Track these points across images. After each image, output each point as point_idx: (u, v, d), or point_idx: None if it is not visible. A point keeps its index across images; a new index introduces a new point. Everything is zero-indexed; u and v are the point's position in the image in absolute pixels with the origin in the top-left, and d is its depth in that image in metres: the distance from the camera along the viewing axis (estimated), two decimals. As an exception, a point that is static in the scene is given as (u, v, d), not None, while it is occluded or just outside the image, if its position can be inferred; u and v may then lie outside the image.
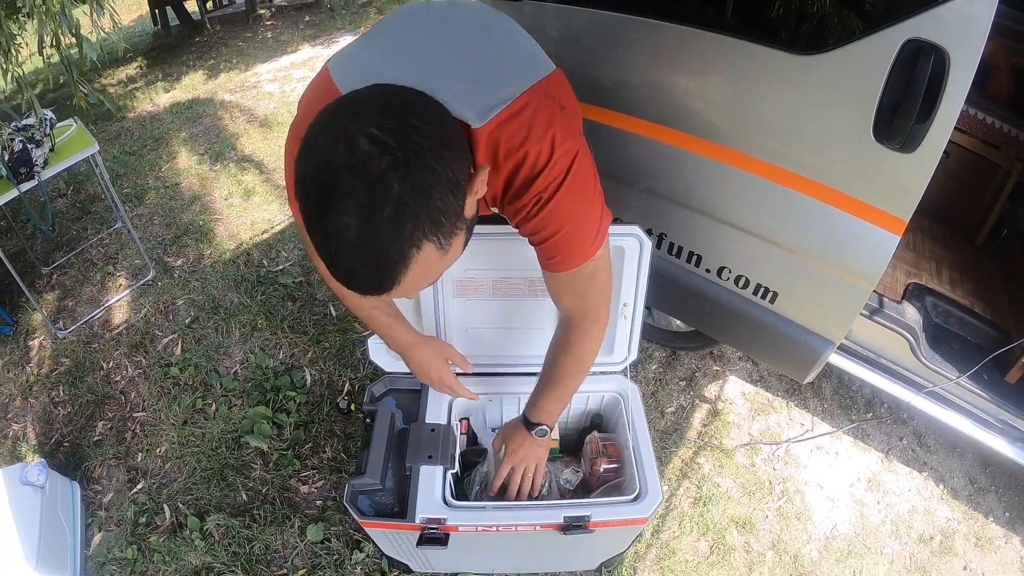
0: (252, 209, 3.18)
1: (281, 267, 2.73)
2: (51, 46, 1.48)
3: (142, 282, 2.66)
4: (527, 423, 1.24)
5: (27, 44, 2.85)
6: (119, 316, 2.54)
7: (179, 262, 2.79)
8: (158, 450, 2.02)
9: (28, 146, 2.04)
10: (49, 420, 2.17)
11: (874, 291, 1.79)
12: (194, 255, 2.82)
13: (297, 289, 2.59)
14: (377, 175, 0.62)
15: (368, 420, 1.34)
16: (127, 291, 2.64)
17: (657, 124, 1.63)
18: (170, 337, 2.39)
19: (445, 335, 1.46)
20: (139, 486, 1.93)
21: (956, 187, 2.44)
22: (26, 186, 2.07)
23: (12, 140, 2.00)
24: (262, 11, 7.40)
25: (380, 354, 1.47)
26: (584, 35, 1.71)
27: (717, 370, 2.28)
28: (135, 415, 2.14)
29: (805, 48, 1.38)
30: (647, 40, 1.59)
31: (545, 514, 1.16)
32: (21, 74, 1.39)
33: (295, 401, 2.09)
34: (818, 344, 1.66)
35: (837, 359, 1.84)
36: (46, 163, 2.12)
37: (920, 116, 1.27)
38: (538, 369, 1.30)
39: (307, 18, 7.34)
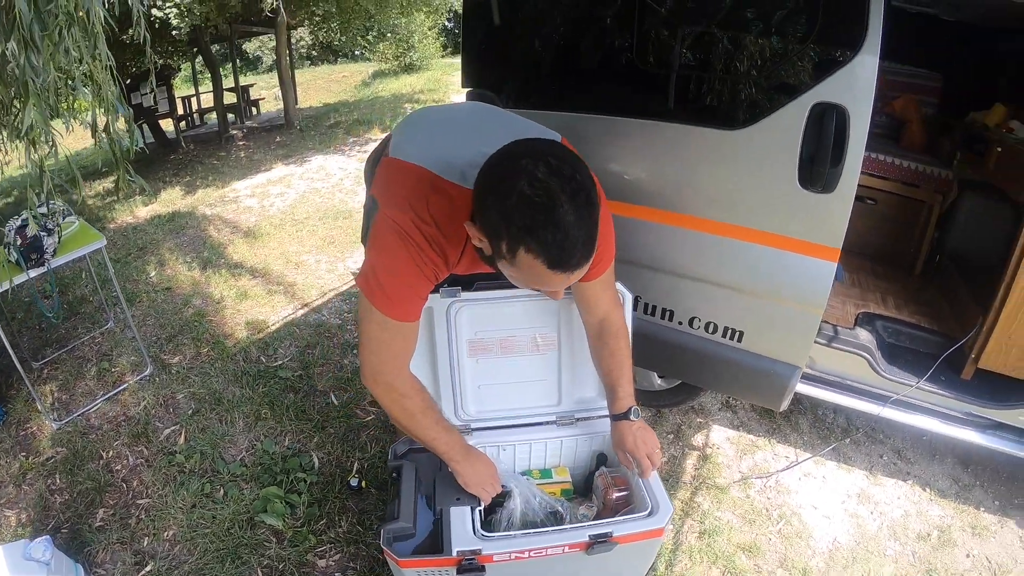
0: (246, 311, 3.31)
1: (280, 362, 2.84)
2: (103, 130, 1.64)
3: (140, 377, 2.72)
4: (625, 415, 1.41)
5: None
6: (117, 409, 2.57)
7: (176, 359, 2.86)
8: (166, 534, 2.00)
9: (40, 233, 2.14)
10: (46, 507, 2.13)
11: (828, 322, 2.04)
12: (191, 353, 2.91)
13: (298, 381, 2.70)
14: (573, 190, 0.97)
15: (395, 475, 1.45)
16: (124, 385, 2.68)
17: (620, 202, 1.88)
18: (172, 428, 2.43)
19: (461, 394, 1.59)
20: (148, 568, 1.90)
21: (889, 227, 2.77)
22: (35, 272, 2.15)
23: (26, 226, 2.09)
24: (234, 132, 7.84)
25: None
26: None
27: (700, 421, 2.46)
28: (138, 502, 2.13)
29: (736, 124, 1.70)
30: (606, 133, 1.89)
31: (571, 535, 1.27)
32: (47, 163, 1.53)
33: (305, 482, 2.14)
34: (785, 371, 1.87)
35: (809, 388, 2.05)
36: (55, 252, 2.21)
37: (833, 162, 1.56)
38: (543, 417, 1.56)
39: (278, 138, 7.78)
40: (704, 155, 1.78)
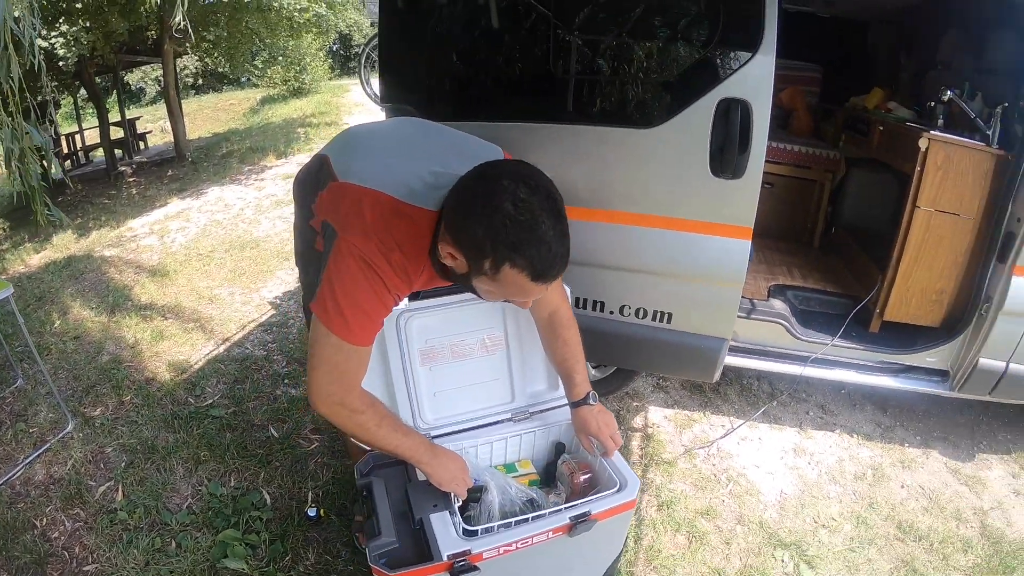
0: (165, 352, 3.13)
1: (210, 401, 2.71)
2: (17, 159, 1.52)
3: (62, 434, 2.50)
4: (584, 401, 1.48)
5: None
6: (42, 471, 2.36)
7: (98, 411, 2.66)
8: (124, 599, 1.87)
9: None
10: (-19, 590, 1.94)
11: (745, 296, 2.22)
12: (113, 402, 2.71)
13: (233, 418, 2.58)
14: (550, 207, 1.06)
15: (365, 493, 1.44)
16: (47, 445, 2.47)
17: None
18: (107, 484, 2.25)
19: (417, 403, 1.61)
20: (109, 631, 1.76)
21: (786, 207, 3.05)
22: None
23: None
24: (123, 168, 7.38)
25: (362, 435, 1.58)
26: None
27: (637, 405, 2.60)
28: (85, 569, 1.97)
29: (651, 122, 1.85)
30: (528, 140, 1.98)
31: (553, 520, 1.32)
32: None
33: (261, 519, 2.05)
34: (715, 344, 2.03)
35: (736, 360, 2.23)
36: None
37: (740, 150, 1.73)
38: (500, 415, 1.62)
39: (170, 172, 7.41)
40: (623, 153, 1.91)
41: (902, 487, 2.21)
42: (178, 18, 3.18)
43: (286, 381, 2.84)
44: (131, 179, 7.21)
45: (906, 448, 2.36)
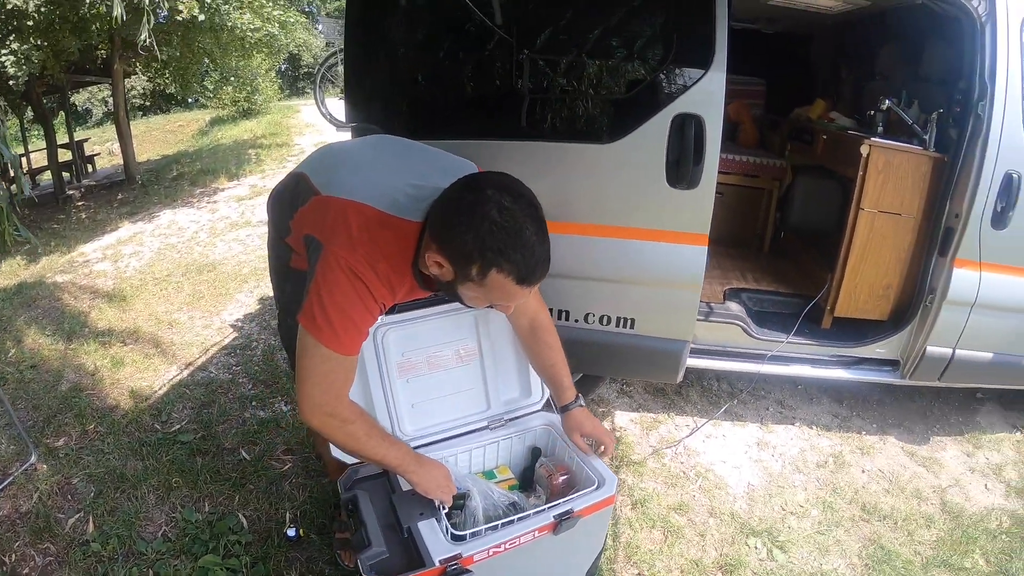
0: (127, 378, 3.06)
1: (177, 427, 2.66)
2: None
3: (25, 466, 2.41)
4: (575, 403, 1.55)
5: None
6: (7, 505, 2.27)
7: (62, 441, 2.58)
8: (104, 636, 1.82)
9: None
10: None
11: (702, 300, 2.34)
12: (77, 432, 2.63)
13: (202, 443, 2.54)
14: (532, 214, 1.14)
15: (350, 507, 1.46)
16: (10, 478, 2.37)
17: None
18: (77, 516, 2.18)
19: (396, 415, 1.64)
20: None
21: (737, 215, 3.20)
22: None
23: None
24: (72, 191, 7.14)
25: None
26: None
27: (603, 411, 2.68)
28: None
29: (610, 138, 1.95)
30: (493, 157, 2.03)
31: (539, 519, 1.38)
32: None
33: (240, 543, 2.03)
34: (677, 346, 2.13)
35: (697, 361, 2.33)
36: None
37: (695, 162, 1.84)
38: (477, 424, 1.67)
39: (120, 195, 7.24)
40: (585, 168, 2.00)
41: (863, 472, 2.34)
42: (144, 35, 3.15)
43: (254, 403, 2.81)
44: (80, 203, 6.99)
45: (863, 436, 2.50)
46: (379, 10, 2.14)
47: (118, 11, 3.95)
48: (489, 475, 1.70)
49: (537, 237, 1.14)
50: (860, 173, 2.27)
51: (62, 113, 9.15)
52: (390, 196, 1.26)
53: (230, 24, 6.77)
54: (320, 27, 20.89)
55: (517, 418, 1.77)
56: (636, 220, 2.01)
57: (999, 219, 2.11)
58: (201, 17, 6.11)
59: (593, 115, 2.05)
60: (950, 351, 2.28)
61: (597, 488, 1.46)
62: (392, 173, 1.34)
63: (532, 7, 2.01)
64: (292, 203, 1.40)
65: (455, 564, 1.27)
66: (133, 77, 10.18)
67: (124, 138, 7.66)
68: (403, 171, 1.33)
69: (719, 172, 3.09)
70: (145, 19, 3.34)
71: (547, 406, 1.81)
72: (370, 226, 1.22)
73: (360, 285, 1.20)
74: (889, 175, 2.25)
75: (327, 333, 1.20)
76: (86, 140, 9.81)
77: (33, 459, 2.45)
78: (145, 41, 3.35)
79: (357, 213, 1.23)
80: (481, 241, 1.11)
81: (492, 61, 2.06)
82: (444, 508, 1.41)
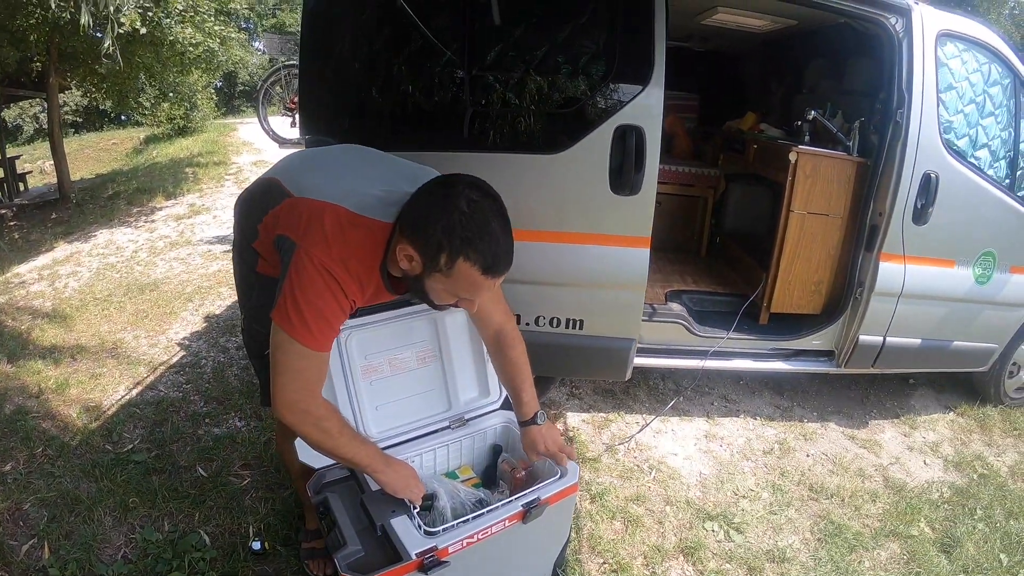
0: (74, 399, 2.96)
1: (130, 446, 2.59)
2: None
3: None
4: (532, 421, 1.58)
5: None
6: None
7: (9, 466, 2.48)
8: (69, 664, 1.76)
9: None
10: None
11: (646, 303, 2.47)
12: (24, 456, 2.53)
13: (156, 461, 2.49)
14: (499, 211, 1.22)
15: (322, 508, 1.49)
16: None
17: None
18: (31, 542, 2.11)
19: (361, 417, 1.68)
20: None
21: (674, 222, 3.39)
22: None
23: None
24: (3, 211, 6.81)
25: (308, 453, 1.62)
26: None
27: (555, 412, 2.79)
28: None
29: (557, 148, 2.07)
30: (443, 166, 2.11)
31: (508, 509, 1.45)
32: None
33: (205, 560, 2.00)
34: (624, 344, 2.26)
35: (643, 360, 2.46)
36: None
37: (636, 169, 1.98)
38: (438, 424, 1.74)
39: (54, 215, 6.97)
40: (533, 177, 2.12)
41: (807, 456, 2.52)
42: (107, 43, 3.08)
43: (207, 420, 2.77)
44: (12, 222, 6.66)
45: (805, 424, 2.69)
46: (333, 26, 2.19)
47: (86, 19, 3.84)
48: (452, 476, 1.75)
49: (502, 230, 1.22)
50: (789, 179, 2.45)
51: (-6, 129, 8.72)
52: (361, 198, 1.31)
53: (171, 38, 6.63)
54: (259, 44, 20.55)
55: (477, 417, 1.84)
56: (583, 225, 2.13)
57: (919, 215, 2.33)
58: (143, 30, 5.97)
59: (540, 127, 2.15)
60: (881, 339, 2.48)
61: (561, 477, 1.54)
62: (362, 178, 1.40)
63: (481, 26, 2.11)
64: (262, 207, 1.42)
65: (431, 556, 1.32)
66: (66, 92, 9.77)
67: (58, 155, 7.36)
68: (372, 177, 1.40)
69: (657, 182, 3.31)
70: (109, 27, 3.27)
71: (506, 404, 1.88)
72: (342, 225, 1.27)
73: (333, 282, 1.25)
74: (816, 179, 2.45)
75: (301, 330, 1.24)
76: (18, 157, 9.35)
77: (-21, 486, 2.36)
78: (108, 49, 3.27)
79: (331, 213, 1.28)
80: (450, 230, 1.18)
81: (448, 77, 2.15)
82: (415, 508, 1.46)
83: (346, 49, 2.20)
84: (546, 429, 1.62)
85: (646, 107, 1.98)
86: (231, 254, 1.73)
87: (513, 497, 1.51)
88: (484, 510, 1.46)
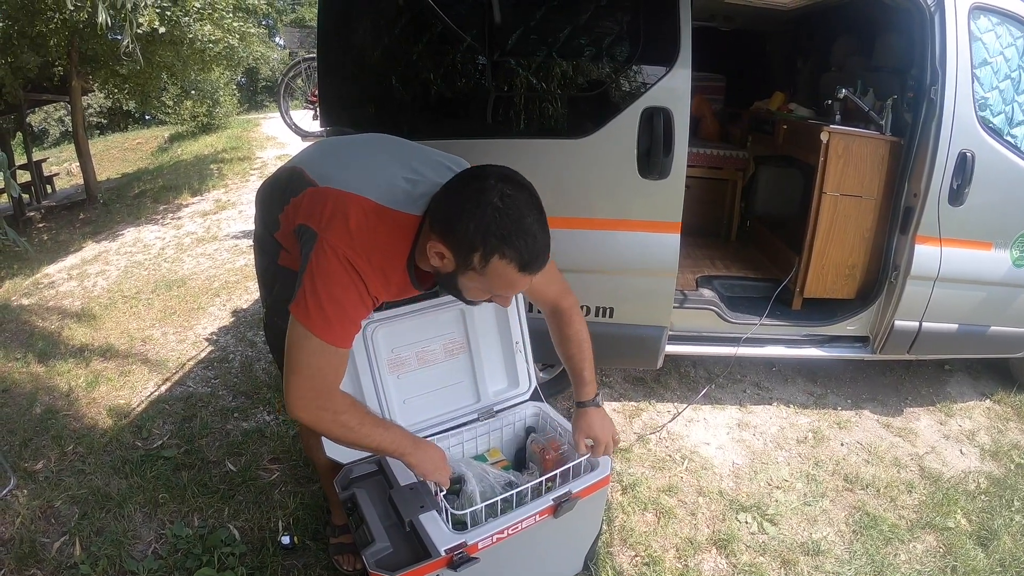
0: (103, 397, 3.00)
1: (159, 443, 2.62)
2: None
3: (4, 492, 2.35)
4: (592, 402, 1.56)
5: None
6: None
7: (40, 465, 2.52)
8: (102, 659, 1.78)
9: None
10: None
11: (676, 289, 2.41)
12: (55, 454, 2.57)
13: (186, 457, 2.51)
14: (534, 204, 1.17)
15: (350, 504, 1.48)
16: None
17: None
18: (63, 539, 2.14)
19: (388, 412, 1.66)
20: None
21: (703, 206, 3.30)
22: None
23: None
24: (32, 213, 6.94)
25: (335, 449, 1.61)
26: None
27: None
28: None
29: (584, 133, 2.01)
30: (469, 155, 2.08)
31: (538, 504, 1.41)
32: None
33: (235, 555, 2.01)
34: (655, 332, 2.21)
35: (675, 347, 2.40)
36: None
37: (664, 152, 1.91)
38: (467, 416, 1.70)
39: (81, 216, 7.08)
40: (561, 163, 2.06)
41: (842, 445, 2.44)
42: (127, 41, 3.11)
43: (236, 415, 2.78)
44: (41, 224, 6.81)
45: (839, 411, 2.61)
46: (351, 17, 2.16)
47: (103, 18, 3.88)
48: (480, 459, 1.73)
49: (538, 225, 1.16)
50: (821, 159, 2.37)
51: (19, 134, 8.89)
52: (387, 189, 1.27)
53: (190, 36, 6.68)
54: (279, 39, 20.67)
55: (506, 409, 1.80)
56: (611, 211, 2.07)
57: (956, 196, 2.23)
58: (162, 29, 6.02)
59: (564, 112, 2.10)
60: (917, 324, 2.40)
61: (592, 470, 1.50)
62: (388, 167, 1.35)
63: (504, 10, 2.05)
64: (284, 195, 1.38)
65: (461, 552, 1.29)
66: (90, 95, 9.92)
67: (84, 157, 7.48)
68: (398, 166, 1.34)
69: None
70: (128, 26, 3.29)
71: (535, 395, 1.85)
72: (367, 218, 1.22)
73: (355, 275, 1.19)
74: (849, 160, 2.36)
75: (319, 323, 1.18)
76: (44, 160, 9.55)
77: (12, 484, 2.40)
78: (128, 48, 3.30)
79: (356, 205, 1.23)
80: (484, 228, 1.12)
81: (465, 63, 2.10)
82: (442, 491, 1.42)
83: (364, 39, 2.17)
84: (603, 414, 1.59)
85: (673, 89, 1.92)
86: (253, 247, 1.71)
87: (542, 478, 1.47)
88: (512, 492, 1.42)
